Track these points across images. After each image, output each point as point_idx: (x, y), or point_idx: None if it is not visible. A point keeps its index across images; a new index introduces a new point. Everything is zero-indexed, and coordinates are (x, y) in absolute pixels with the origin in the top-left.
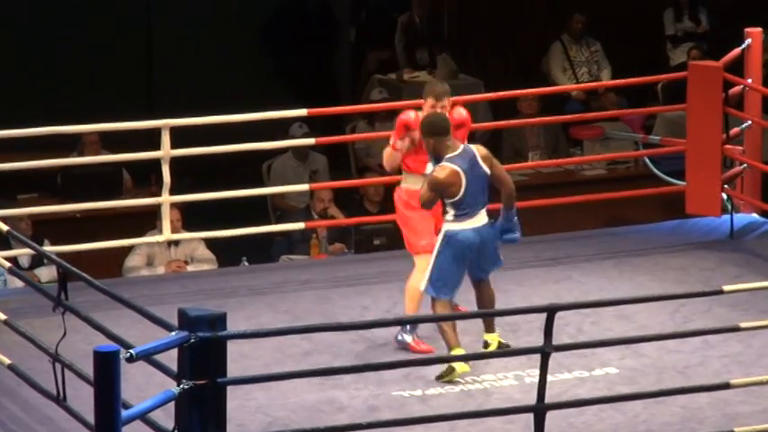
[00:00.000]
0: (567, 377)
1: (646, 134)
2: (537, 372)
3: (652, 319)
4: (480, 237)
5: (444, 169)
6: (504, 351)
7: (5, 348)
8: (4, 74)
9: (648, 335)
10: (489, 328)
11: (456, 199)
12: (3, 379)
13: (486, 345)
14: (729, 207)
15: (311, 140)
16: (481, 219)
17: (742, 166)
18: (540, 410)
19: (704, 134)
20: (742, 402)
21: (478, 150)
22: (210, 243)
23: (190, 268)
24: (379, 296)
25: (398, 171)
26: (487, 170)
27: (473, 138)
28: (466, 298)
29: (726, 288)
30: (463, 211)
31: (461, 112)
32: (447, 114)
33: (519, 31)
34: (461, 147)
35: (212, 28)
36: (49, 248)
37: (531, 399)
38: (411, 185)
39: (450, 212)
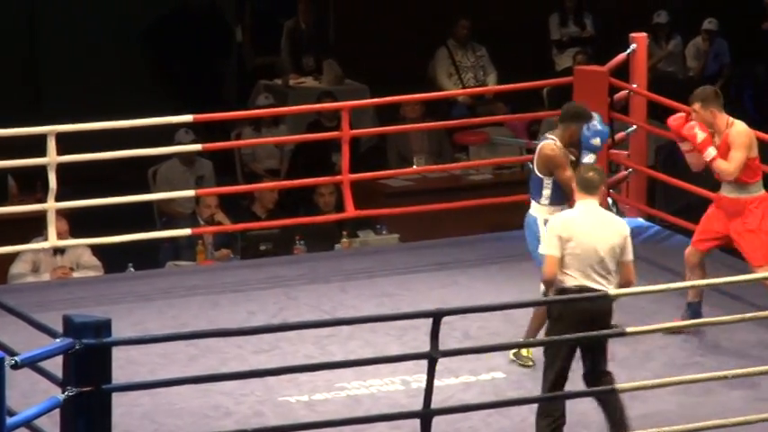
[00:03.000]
0: (453, 382)
1: (531, 139)
2: (424, 377)
3: None
4: None
5: None
6: (391, 356)
7: None
8: None
9: (535, 339)
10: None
11: None
12: None
13: None
14: (615, 211)
15: (198, 146)
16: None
17: (627, 171)
18: (426, 416)
19: None
20: (627, 407)
21: None
22: (96, 249)
23: (76, 275)
24: (265, 301)
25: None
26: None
27: (358, 144)
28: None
29: (611, 292)
30: None
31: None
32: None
33: (404, 37)
34: None
35: (98, 33)
36: None
37: (418, 404)
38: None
39: None
